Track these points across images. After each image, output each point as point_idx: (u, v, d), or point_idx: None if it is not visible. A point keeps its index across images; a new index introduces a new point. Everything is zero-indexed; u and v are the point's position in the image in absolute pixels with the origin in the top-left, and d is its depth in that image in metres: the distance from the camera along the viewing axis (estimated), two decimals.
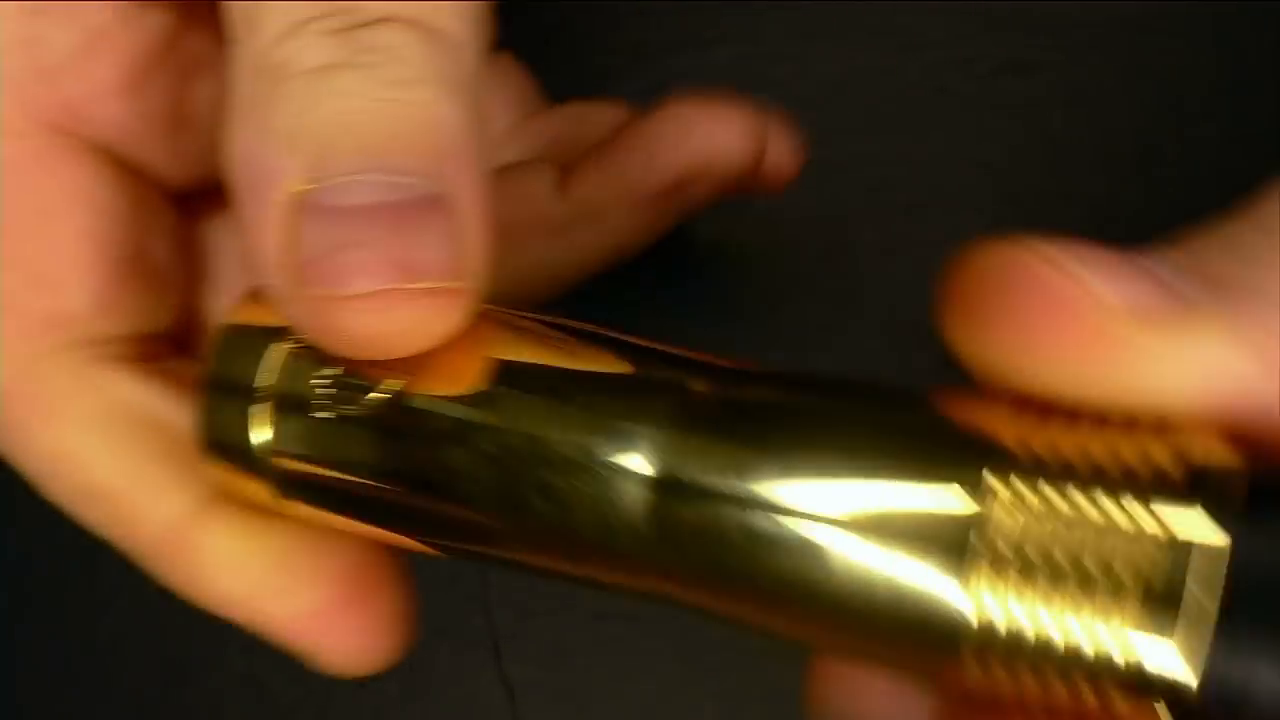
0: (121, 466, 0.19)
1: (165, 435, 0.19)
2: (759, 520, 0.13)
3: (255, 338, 0.17)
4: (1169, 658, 0.11)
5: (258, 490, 0.17)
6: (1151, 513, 0.12)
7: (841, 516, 0.13)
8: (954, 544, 0.12)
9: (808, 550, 0.13)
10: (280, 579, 0.19)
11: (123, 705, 0.28)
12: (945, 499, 0.12)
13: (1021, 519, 0.12)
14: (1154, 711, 0.11)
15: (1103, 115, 0.29)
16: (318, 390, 0.16)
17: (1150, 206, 0.28)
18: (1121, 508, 0.12)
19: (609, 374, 0.15)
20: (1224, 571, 0.11)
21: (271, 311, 0.16)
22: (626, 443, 0.14)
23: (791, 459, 0.13)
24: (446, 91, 0.15)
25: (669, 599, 0.15)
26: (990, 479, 0.12)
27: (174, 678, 0.28)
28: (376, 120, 0.15)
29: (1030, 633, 0.12)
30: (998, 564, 0.12)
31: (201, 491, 0.19)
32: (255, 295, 0.17)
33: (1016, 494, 0.12)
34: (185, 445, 0.18)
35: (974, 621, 0.12)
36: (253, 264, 0.15)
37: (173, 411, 0.19)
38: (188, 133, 0.20)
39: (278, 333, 0.17)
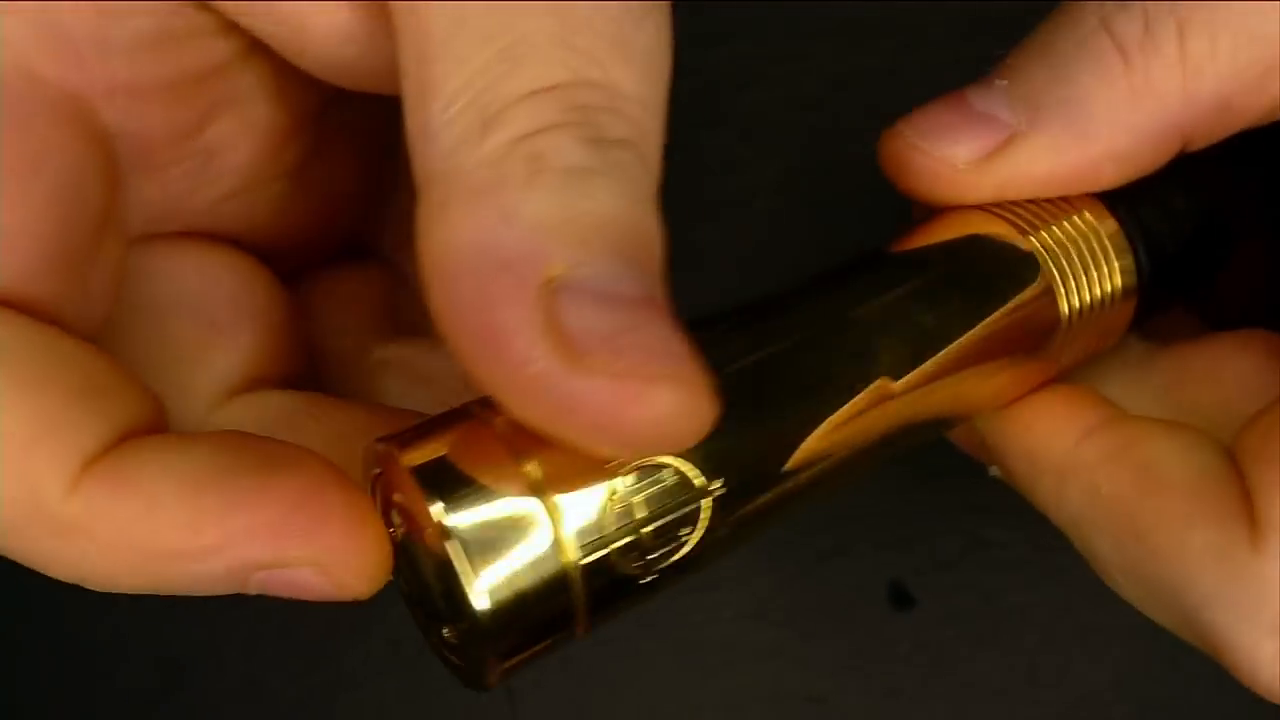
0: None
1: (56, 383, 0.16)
2: None
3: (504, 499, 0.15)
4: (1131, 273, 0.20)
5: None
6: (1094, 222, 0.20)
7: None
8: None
9: None
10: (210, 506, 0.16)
11: (123, 705, 0.28)
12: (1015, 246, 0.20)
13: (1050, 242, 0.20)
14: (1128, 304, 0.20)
15: None
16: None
17: None
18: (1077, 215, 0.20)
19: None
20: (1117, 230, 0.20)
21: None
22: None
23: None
24: (657, 216, 0.16)
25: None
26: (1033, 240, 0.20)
27: (174, 678, 0.28)
28: (625, 225, 0.16)
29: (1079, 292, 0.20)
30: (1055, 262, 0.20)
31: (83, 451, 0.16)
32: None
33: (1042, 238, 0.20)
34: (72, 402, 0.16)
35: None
36: (480, 340, 0.15)
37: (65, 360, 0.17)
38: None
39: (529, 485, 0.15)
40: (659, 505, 0.16)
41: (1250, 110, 0.19)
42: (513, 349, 0.15)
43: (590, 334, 0.14)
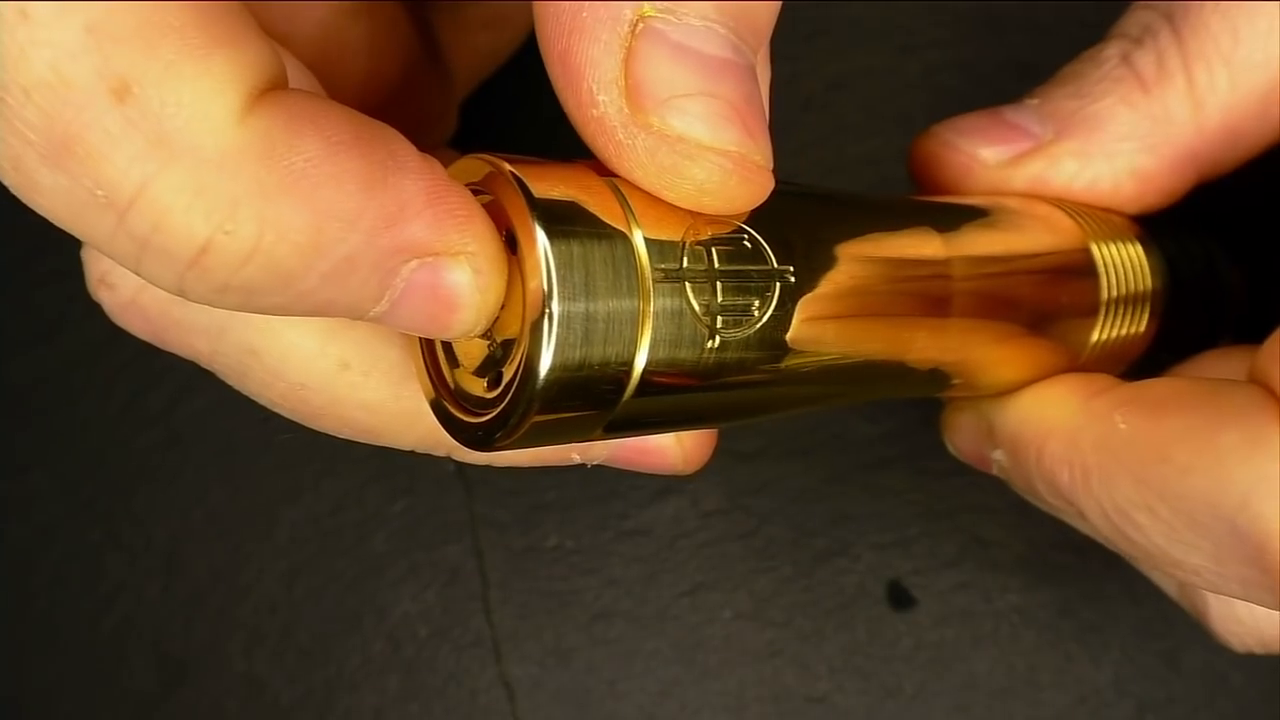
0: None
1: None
2: None
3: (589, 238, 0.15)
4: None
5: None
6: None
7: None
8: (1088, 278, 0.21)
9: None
10: None
11: (123, 705, 0.28)
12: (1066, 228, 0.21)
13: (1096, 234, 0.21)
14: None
15: None
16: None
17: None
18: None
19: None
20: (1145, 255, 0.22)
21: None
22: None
23: None
24: None
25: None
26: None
27: (174, 678, 0.28)
28: None
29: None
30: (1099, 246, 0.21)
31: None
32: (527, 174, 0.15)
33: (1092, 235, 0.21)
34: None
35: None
36: (566, 66, 0.14)
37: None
38: None
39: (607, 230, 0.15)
40: (733, 263, 0.16)
41: (1256, 136, 0.21)
42: (583, 85, 0.14)
43: (659, 86, 0.14)
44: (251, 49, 0.13)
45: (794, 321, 0.16)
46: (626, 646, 0.28)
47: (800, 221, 0.17)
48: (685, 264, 0.15)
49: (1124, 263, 0.21)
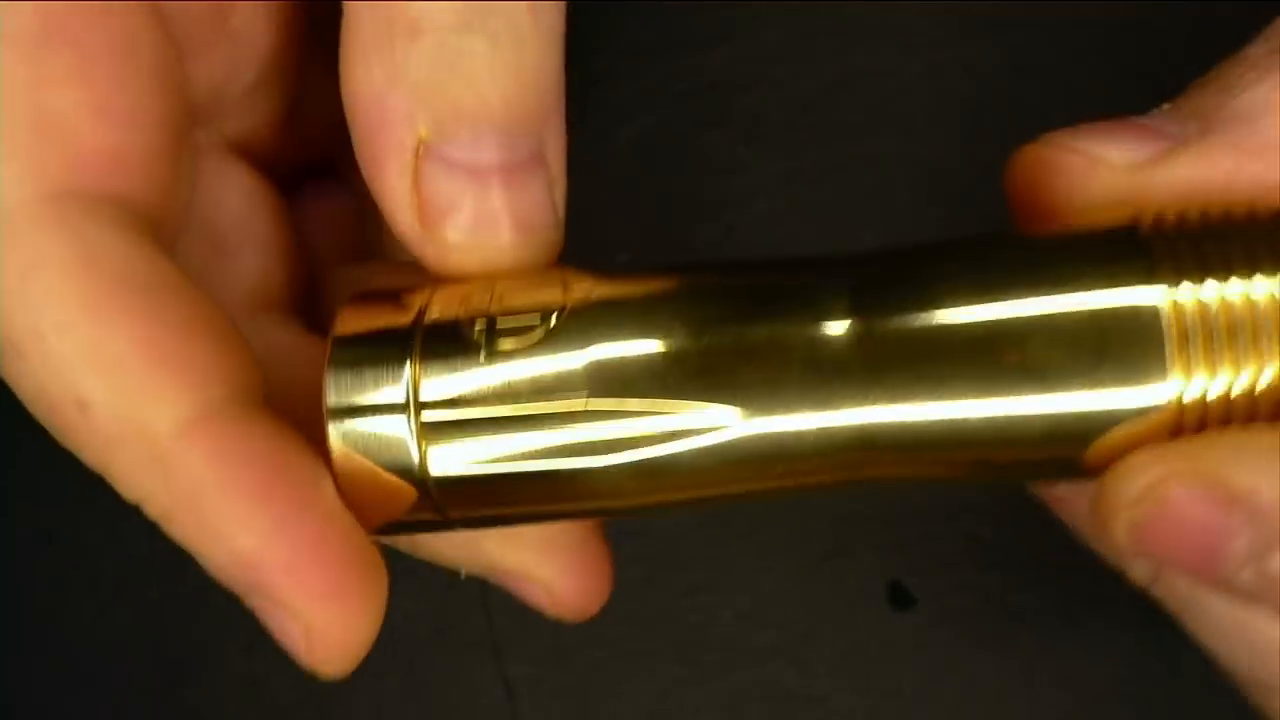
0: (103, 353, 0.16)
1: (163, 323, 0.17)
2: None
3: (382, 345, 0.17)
4: None
5: (406, 495, 0.16)
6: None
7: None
8: (1146, 320, 0.15)
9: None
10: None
11: (123, 705, 0.28)
12: (1123, 292, 0.15)
13: (1191, 286, 0.15)
14: None
15: (1102, 115, 0.29)
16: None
17: None
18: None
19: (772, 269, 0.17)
20: None
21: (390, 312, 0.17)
22: (819, 294, 0.16)
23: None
24: (550, 49, 0.17)
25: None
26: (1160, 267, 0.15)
27: (174, 678, 0.28)
28: (496, 83, 0.16)
29: (1223, 394, 0.15)
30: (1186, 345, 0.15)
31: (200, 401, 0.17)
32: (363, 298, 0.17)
33: (1181, 272, 0.15)
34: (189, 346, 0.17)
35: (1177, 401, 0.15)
36: (375, 192, 0.17)
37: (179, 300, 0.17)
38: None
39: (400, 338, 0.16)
40: (525, 285, 0.17)
41: None
42: (388, 205, 0.17)
43: (439, 201, 0.17)
44: (194, 372, 0.16)
45: (571, 341, 0.16)
46: (626, 646, 0.28)
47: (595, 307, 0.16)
48: (469, 296, 0.17)
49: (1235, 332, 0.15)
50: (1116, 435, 0.15)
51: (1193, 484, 0.14)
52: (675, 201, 0.29)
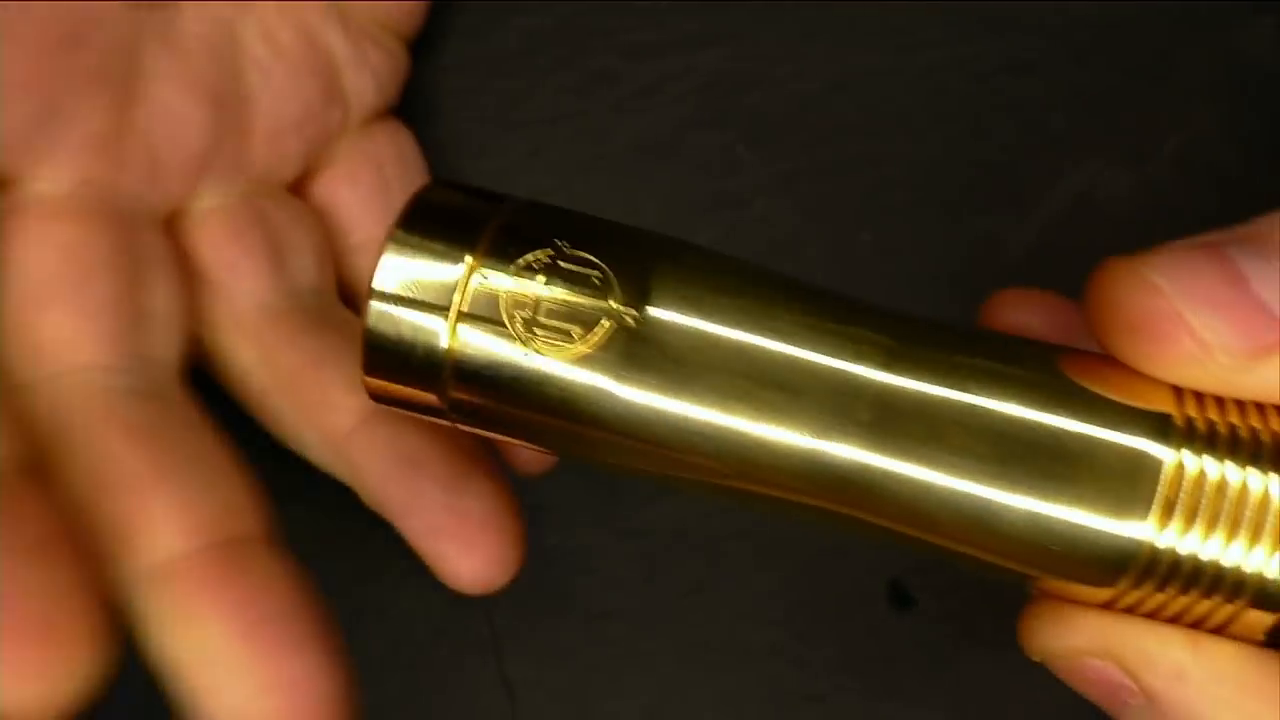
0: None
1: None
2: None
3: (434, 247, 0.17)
4: None
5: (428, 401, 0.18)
6: None
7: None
8: (1136, 486, 0.16)
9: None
10: None
11: (123, 705, 0.28)
12: (1131, 451, 0.16)
13: (1194, 473, 0.16)
14: (1262, 622, 0.16)
15: (1103, 115, 0.29)
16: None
17: (1149, 206, 0.28)
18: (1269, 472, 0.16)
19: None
20: None
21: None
22: (854, 347, 0.17)
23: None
24: None
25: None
26: (1171, 439, 0.16)
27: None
28: None
29: (1189, 561, 0.16)
30: (1172, 504, 0.16)
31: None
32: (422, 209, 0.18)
33: (1191, 449, 0.16)
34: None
35: (1149, 546, 0.16)
36: None
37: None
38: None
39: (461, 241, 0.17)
40: (568, 285, 0.17)
41: None
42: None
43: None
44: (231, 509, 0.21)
45: (619, 361, 0.17)
46: (626, 646, 0.28)
47: (670, 271, 0.17)
48: (513, 273, 0.17)
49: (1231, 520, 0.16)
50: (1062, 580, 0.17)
51: (1108, 662, 0.18)
52: (675, 201, 0.29)
